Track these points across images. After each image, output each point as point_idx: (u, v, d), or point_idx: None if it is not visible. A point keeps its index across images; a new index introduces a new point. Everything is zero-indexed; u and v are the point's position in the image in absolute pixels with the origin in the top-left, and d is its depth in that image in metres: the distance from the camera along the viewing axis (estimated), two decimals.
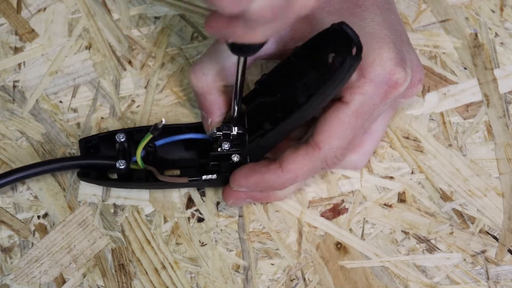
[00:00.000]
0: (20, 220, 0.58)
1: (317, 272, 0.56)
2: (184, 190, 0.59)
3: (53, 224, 0.57)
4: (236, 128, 0.55)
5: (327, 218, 0.58)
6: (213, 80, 0.55)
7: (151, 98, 0.62)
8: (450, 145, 0.60)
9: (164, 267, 0.56)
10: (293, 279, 0.56)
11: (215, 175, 0.55)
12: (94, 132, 0.60)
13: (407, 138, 0.61)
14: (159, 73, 0.63)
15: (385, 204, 0.59)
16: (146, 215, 0.58)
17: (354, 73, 0.50)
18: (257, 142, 0.54)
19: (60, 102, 0.61)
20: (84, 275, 0.56)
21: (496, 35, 0.64)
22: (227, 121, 0.56)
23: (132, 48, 0.63)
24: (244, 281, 0.56)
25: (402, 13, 0.65)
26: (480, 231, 0.58)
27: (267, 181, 0.54)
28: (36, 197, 0.58)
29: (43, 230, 0.57)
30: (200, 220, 0.58)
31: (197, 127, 0.58)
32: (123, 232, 0.57)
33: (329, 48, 0.50)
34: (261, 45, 0.47)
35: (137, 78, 0.62)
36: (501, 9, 0.65)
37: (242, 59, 0.50)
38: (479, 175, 0.59)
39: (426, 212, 0.58)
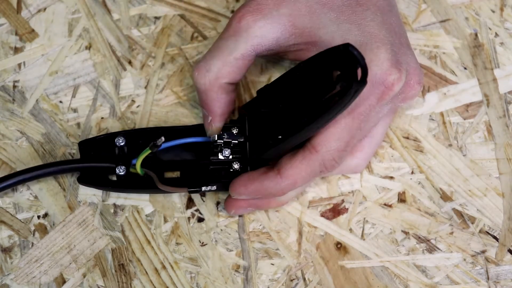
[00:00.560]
0: (20, 220, 0.58)
1: (317, 272, 0.56)
2: None
3: (53, 224, 0.57)
4: (237, 136, 0.55)
5: (327, 218, 0.58)
6: (216, 77, 0.55)
7: (151, 98, 0.62)
8: (450, 145, 0.60)
9: (164, 267, 0.56)
10: (293, 279, 0.56)
11: (214, 186, 0.55)
12: (94, 132, 0.60)
13: (407, 138, 0.61)
14: (159, 73, 0.63)
15: (385, 204, 0.59)
16: (146, 215, 0.58)
17: None
18: (258, 155, 0.54)
19: (60, 102, 0.61)
20: (84, 275, 0.56)
21: (496, 35, 0.64)
22: (228, 123, 0.56)
23: (132, 48, 0.63)
24: (244, 281, 0.56)
25: (402, 13, 0.65)
26: (480, 231, 0.58)
27: (266, 188, 0.54)
28: (36, 197, 0.58)
29: (43, 230, 0.57)
30: (200, 220, 0.58)
31: (198, 129, 0.58)
32: (123, 232, 0.57)
33: (333, 66, 0.50)
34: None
35: (137, 78, 0.62)
36: (501, 9, 0.65)
37: None
38: (479, 175, 0.59)
39: (426, 212, 0.58)
